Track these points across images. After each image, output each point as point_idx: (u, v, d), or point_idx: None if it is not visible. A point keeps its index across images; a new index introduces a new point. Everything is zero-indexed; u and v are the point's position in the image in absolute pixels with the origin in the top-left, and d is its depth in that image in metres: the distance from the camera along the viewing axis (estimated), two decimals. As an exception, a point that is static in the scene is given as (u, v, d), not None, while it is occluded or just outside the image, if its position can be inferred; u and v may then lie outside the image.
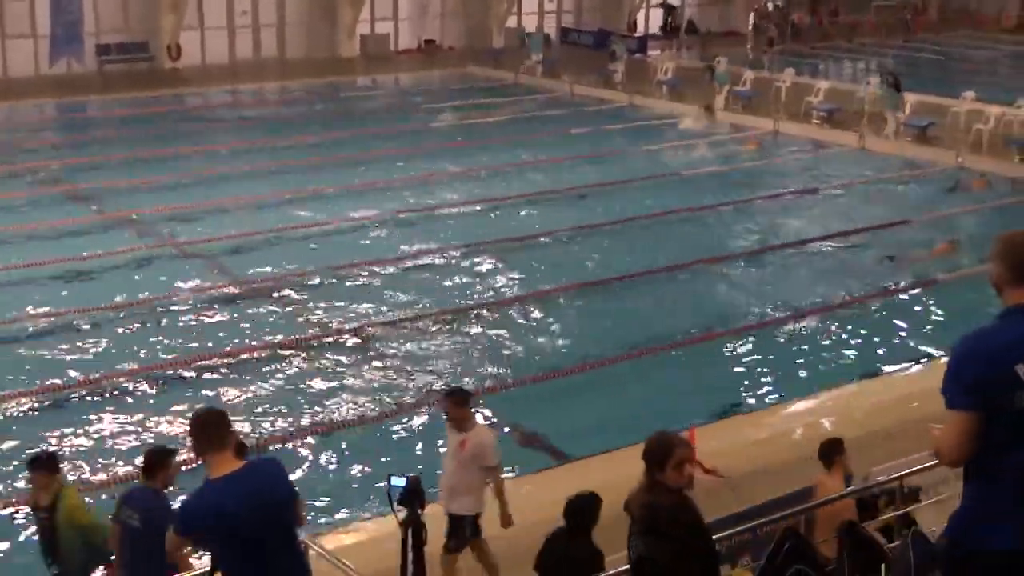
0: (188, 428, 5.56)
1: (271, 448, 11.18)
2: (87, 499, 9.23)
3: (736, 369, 13.74)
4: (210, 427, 5.45)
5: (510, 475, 9.97)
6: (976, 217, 20.56)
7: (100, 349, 14.02)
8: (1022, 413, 4.15)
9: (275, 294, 16.06)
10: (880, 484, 8.15)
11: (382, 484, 9.39)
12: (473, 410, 9.21)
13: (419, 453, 11.49)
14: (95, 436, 11.80)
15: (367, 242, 18.40)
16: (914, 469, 7.69)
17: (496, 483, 8.73)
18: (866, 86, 29.33)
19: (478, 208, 20.49)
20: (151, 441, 11.48)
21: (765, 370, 13.74)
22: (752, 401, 12.75)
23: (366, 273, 16.90)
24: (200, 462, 5.53)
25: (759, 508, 8.17)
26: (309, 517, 8.48)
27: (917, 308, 15.90)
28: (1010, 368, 4.15)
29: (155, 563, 6.93)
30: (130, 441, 11.65)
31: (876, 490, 8.20)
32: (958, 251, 17.98)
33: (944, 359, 13.50)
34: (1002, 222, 18.88)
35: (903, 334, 14.91)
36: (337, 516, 10.27)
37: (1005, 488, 4.23)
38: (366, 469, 11.15)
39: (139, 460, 8.19)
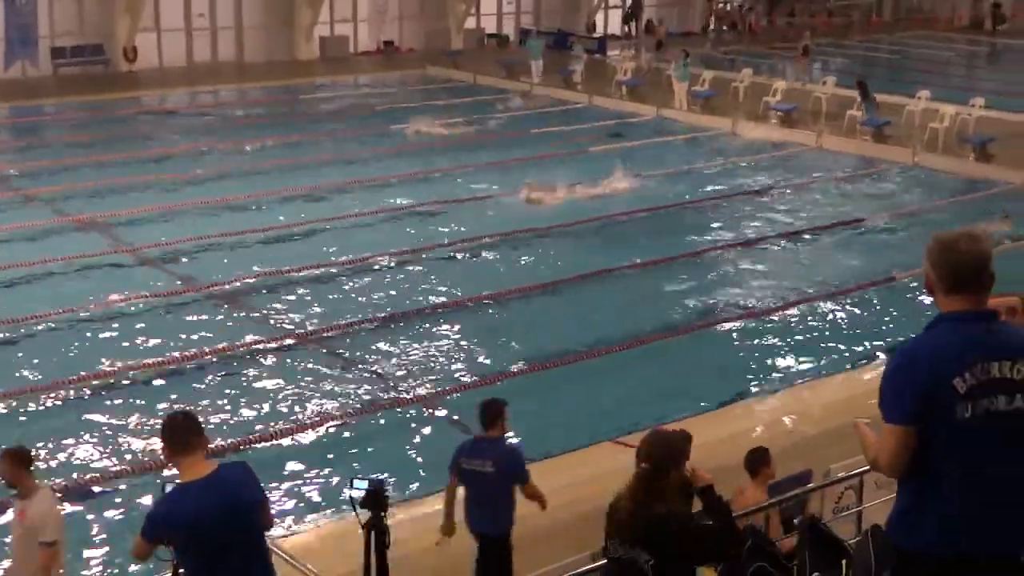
0: (159, 432, 5.54)
1: (235, 451, 11.12)
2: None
3: (695, 369, 13.80)
4: (181, 431, 5.46)
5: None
6: (936, 214, 20.79)
7: (58, 354, 13.88)
8: (959, 424, 4.09)
9: (233, 298, 15.97)
10: (840, 480, 8.22)
11: (345, 487, 9.40)
12: (34, 472, 7.74)
13: (381, 456, 11.46)
14: (56, 441, 11.66)
15: (325, 244, 18.28)
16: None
17: (42, 557, 7.37)
18: (823, 85, 29.65)
19: (435, 208, 20.42)
20: (116, 446, 11.44)
21: (724, 369, 13.81)
22: (712, 400, 12.80)
23: (325, 276, 16.84)
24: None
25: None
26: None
27: (875, 306, 16.04)
28: (947, 381, 4.07)
29: (505, 503, 8.09)
30: (94, 446, 11.55)
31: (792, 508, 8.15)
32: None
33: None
34: (962, 220, 19.19)
35: (859, 331, 15.05)
36: (300, 519, 10.23)
37: (941, 495, 4.17)
38: (328, 472, 11.10)
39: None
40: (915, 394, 4.09)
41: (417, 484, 10.79)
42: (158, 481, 9.68)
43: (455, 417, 12.26)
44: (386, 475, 8.33)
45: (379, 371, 13.55)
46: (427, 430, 12.17)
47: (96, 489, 10.80)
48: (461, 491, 8.40)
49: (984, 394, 4.08)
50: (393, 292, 16.23)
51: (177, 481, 5.40)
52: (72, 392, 12.84)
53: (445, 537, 8.49)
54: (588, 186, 21.88)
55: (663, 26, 41.72)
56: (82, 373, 13.21)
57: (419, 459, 11.48)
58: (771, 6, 48.38)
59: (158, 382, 13.20)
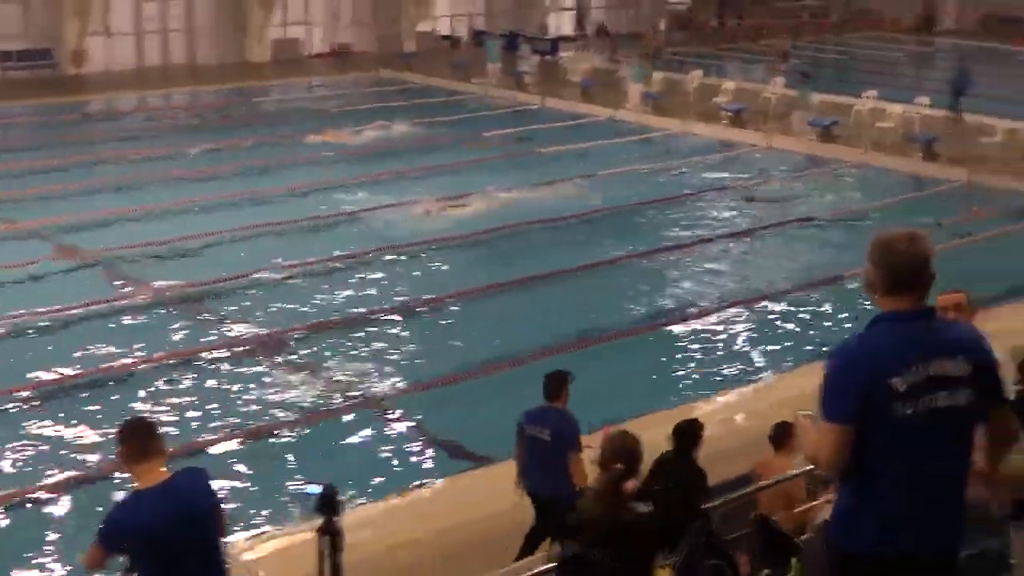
0: (117, 437, 5.51)
1: (183, 458, 11.05)
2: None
3: (643, 370, 13.87)
4: (139, 437, 5.43)
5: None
6: (882, 214, 21.07)
7: (10, 360, 13.74)
8: (898, 423, 4.14)
9: (184, 302, 15.87)
10: (788, 479, 8.32)
11: (298, 492, 9.38)
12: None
13: (334, 460, 11.44)
14: (11, 448, 11.56)
15: (274, 248, 18.15)
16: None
17: None
18: (773, 84, 29.91)
19: (390, 212, 20.37)
20: (64, 454, 11.34)
21: (673, 369, 13.93)
22: (662, 401, 12.86)
23: (274, 280, 16.77)
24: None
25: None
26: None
27: (825, 304, 16.22)
28: (885, 380, 4.12)
29: (561, 469, 8.46)
30: (41, 454, 11.44)
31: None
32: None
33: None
34: (908, 219, 19.44)
35: (809, 330, 15.20)
36: (253, 525, 10.19)
37: (881, 494, 4.23)
38: (281, 477, 11.05)
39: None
40: (854, 394, 4.14)
41: (371, 487, 10.79)
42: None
43: (409, 421, 12.28)
44: (339, 479, 8.31)
45: (329, 375, 13.51)
46: (378, 433, 12.16)
47: (44, 497, 10.69)
48: None
49: (924, 391, 4.14)
50: (344, 295, 16.19)
51: (133, 487, 5.37)
52: (19, 400, 12.69)
53: (521, 493, 8.98)
54: (531, 189, 21.95)
55: (659, 35, 41.27)
56: (28, 380, 13.08)
57: (371, 463, 11.46)
58: (721, 8, 48.75)
59: (106, 388, 13.08)
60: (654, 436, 11.40)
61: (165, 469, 5.45)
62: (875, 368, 4.15)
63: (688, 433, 8.24)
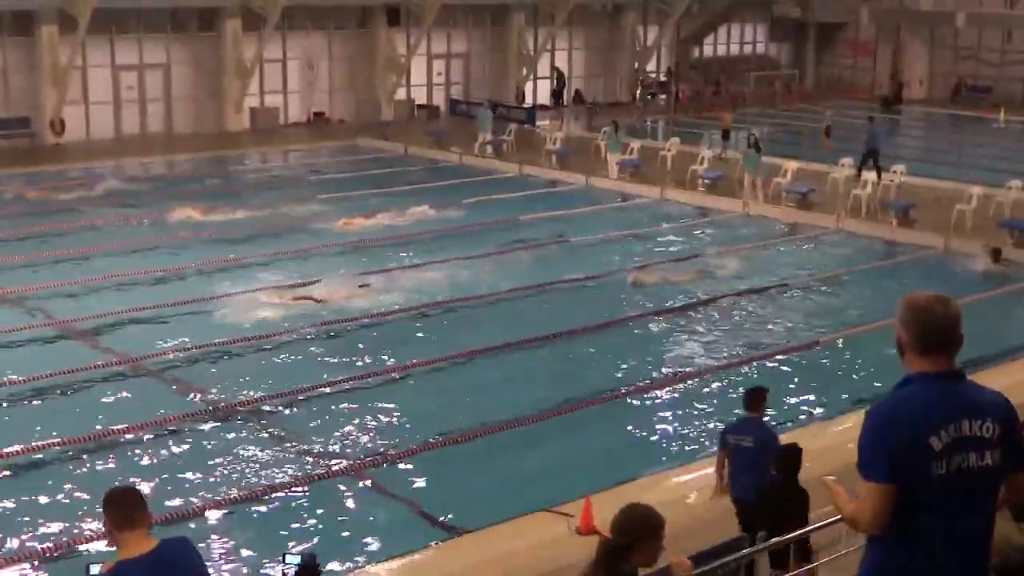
0: (102, 505, 5.40)
1: (159, 526, 10.90)
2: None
3: (625, 436, 13.82)
4: (125, 505, 5.31)
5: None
6: (860, 278, 21.22)
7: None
8: (934, 482, 4.23)
9: (161, 371, 15.77)
10: (787, 541, 8.23)
11: (276, 561, 9.25)
12: None
13: (314, 527, 11.31)
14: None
15: (252, 317, 18.05)
16: (818, 525, 7.78)
17: None
18: (733, 152, 30.25)
19: (372, 279, 20.35)
20: (38, 524, 11.17)
21: (655, 436, 13.89)
22: (644, 467, 12.79)
23: (253, 348, 16.71)
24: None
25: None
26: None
27: (800, 369, 16.24)
28: (924, 439, 4.21)
29: (761, 474, 9.38)
30: (35, 519, 11.28)
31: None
32: None
33: (841, 418, 13.75)
34: (888, 284, 19.55)
35: (786, 396, 15.14)
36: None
37: (914, 553, 4.30)
38: (260, 546, 10.91)
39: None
40: (894, 451, 4.22)
41: (352, 556, 10.66)
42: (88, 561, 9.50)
43: (385, 487, 12.18)
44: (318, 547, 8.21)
45: (306, 444, 13.40)
46: (357, 502, 12.05)
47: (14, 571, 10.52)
48: None
49: (957, 451, 4.25)
50: (319, 364, 16.12)
51: (117, 559, 5.24)
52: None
53: (720, 495, 10.26)
54: (521, 249, 22.02)
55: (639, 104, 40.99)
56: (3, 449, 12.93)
57: (350, 531, 11.34)
58: (700, 76, 49.31)
59: (82, 458, 12.94)
60: (646, 500, 11.39)
61: (150, 539, 5.33)
62: (913, 426, 4.24)
63: (794, 459, 9.03)
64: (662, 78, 47.09)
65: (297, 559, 6.95)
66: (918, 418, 4.24)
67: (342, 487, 12.35)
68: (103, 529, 5.48)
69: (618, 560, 5.17)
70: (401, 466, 12.86)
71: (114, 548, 5.24)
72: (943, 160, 28.64)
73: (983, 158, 33.11)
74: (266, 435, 13.69)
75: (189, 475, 12.45)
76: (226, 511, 11.69)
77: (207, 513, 11.60)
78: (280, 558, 7.01)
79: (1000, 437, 4.32)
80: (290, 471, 12.65)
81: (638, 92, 45.85)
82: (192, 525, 11.19)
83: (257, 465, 12.75)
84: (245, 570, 10.51)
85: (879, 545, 4.38)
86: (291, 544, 10.67)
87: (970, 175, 28.19)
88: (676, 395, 15.16)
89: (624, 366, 16.22)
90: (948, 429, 4.24)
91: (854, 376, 15.93)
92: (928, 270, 21.79)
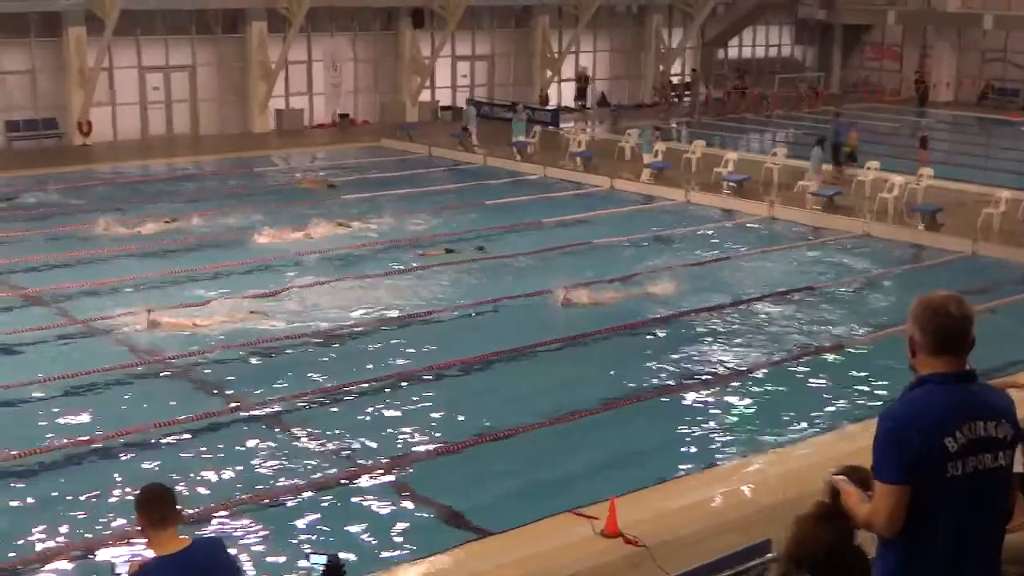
0: (135, 503, 5.45)
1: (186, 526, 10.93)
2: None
3: (650, 439, 13.76)
4: (158, 504, 5.39)
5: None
6: (889, 280, 21.10)
7: (28, 425, 13.75)
8: (950, 483, 4.21)
9: (187, 372, 15.83)
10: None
11: (302, 561, 9.27)
12: None
13: (339, 530, 11.32)
14: (23, 516, 11.49)
15: (277, 316, 18.12)
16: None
17: None
18: (773, 155, 30.09)
19: (388, 281, 20.38)
20: (66, 521, 11.23)
21: (679, 439, 13.80)
22: (668, 470, 12.77)
23: (275, 349, 16.72)
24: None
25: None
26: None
27: (827, 374, 16.14)
28: (939, 440, 4.20)
29: None
30: (43, 521, 11.33)
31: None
32: None
33: (844, 429, 13.64)
34: (910, 287, 19.42)
35: (812, 400, 15.08)
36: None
37: (931, 555, 4.27)
38: (285, 547, 10.92)
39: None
40: (908, 453, 4.20)
41: (377, 557, 10.66)
42: (112, 559, 9.55)
43: (410, 489, 12.18)
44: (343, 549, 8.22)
45: (334, 444, 13.42)
46: (382, 503, 12.05)
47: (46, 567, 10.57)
48: None
49: (971, 452, 4.24)
50: (350, 364, 16.14)
51: (151, 556, 5.29)
52: (21, 465, 12.61)
53: None
54: (546, 253, 22.01)
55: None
56: (31, 448, 13.01)
57: (374, 533, 11.34)
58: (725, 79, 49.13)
59: (111, 456, 13.01)
60: (669, 505, 11.39)
61: (182, 537, 5.39)
62: (928, 428, 4.23)
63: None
64: (686, 80, 46.95)
65: (323, 559, 6.92)
66: (933, 420, 4.22)
67: (367, 489, 12.35)
68: (136, 527, 5.53)
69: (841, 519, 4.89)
70: (426, 468, 12.87)
71: (144, 544, 5.29)
72: (970, 163, 28.39)
73: (1011, 161, 32.87)
74: (291, 435, 13.70)
75: (211, 476, 12.49)
76: (251, 512, 11.72)
77: (229, 512, 11.63)
78: (305, 558, 6.99)
79: (1013, 439, 4.32)
80: (314, 472, 12.66)
81: (663, 95, 45.66)
82: (214, 524, 11.24)
83: (281, 466, 12.78)
84: (271, 571, 10.52)
85: (893, 547, 4.35)
86: (308, 548, 10.60)
87: (997, 179, 27.99)
88: (702, 399, 15.09)
89: (645, 370, 16.16)
90: (963, 430, 4.22)
91: (876, 380, 15.82)
92: (954, 274, 21.62)
